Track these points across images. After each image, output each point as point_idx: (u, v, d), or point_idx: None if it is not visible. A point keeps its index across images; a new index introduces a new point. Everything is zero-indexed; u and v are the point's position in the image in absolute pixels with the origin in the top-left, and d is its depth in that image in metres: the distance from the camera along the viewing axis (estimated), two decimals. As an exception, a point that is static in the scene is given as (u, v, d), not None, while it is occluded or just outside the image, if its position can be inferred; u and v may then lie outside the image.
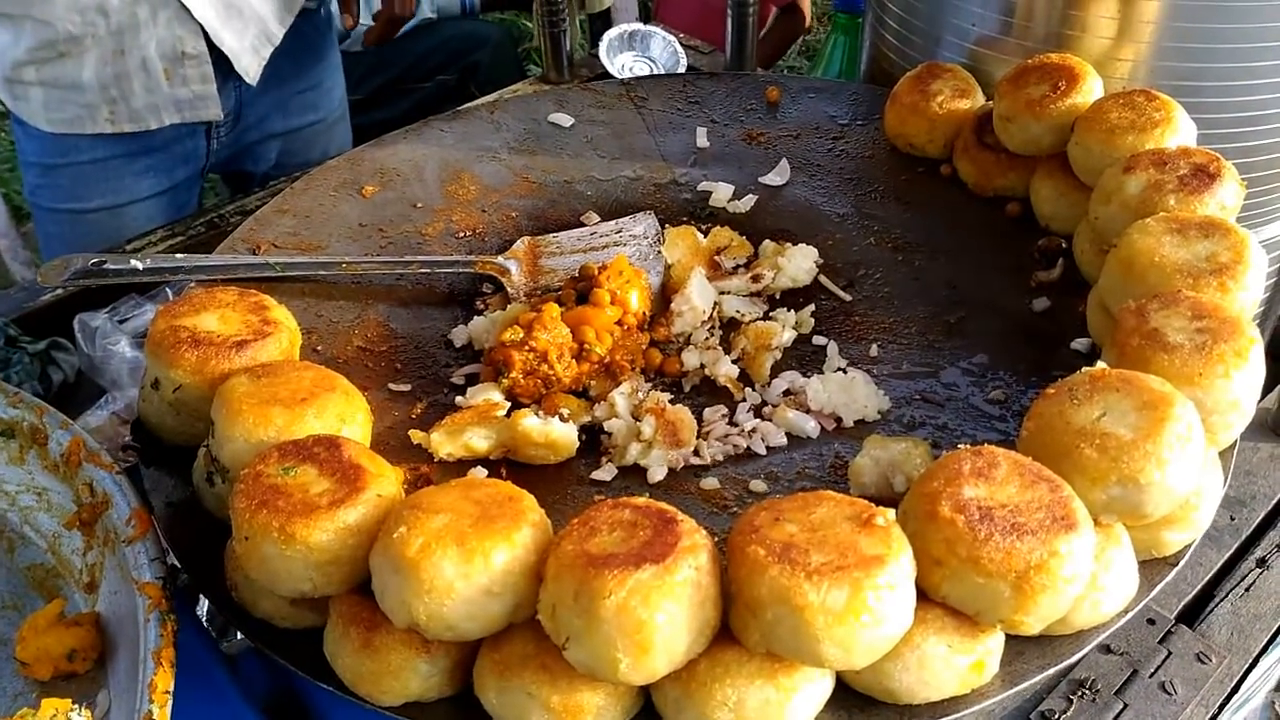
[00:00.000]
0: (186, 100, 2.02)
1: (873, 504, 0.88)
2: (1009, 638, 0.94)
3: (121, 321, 1.79)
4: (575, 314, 1.29)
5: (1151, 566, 1.03)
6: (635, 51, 2.27)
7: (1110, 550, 0.95)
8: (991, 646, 0.91)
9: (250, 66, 2.07)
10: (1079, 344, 1.28)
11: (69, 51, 1.90)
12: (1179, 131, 1.31)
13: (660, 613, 0.81)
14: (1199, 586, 1.39)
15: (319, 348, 1.35)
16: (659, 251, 1.48)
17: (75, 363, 1.75)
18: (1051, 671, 0.95)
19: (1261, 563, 1.42)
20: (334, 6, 2.36)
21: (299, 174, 1.75)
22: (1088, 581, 0.90)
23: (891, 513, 0.87)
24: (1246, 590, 1.39)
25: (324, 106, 2.38)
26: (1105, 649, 1.29)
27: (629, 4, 3.98)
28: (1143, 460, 0.91)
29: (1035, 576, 0.85)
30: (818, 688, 0.88)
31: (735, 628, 0.87)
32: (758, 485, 1.19)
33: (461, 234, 1.56)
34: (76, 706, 0.74)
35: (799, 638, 0.81)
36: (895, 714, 0.91)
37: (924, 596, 0.89)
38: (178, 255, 1.47)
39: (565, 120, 1.76)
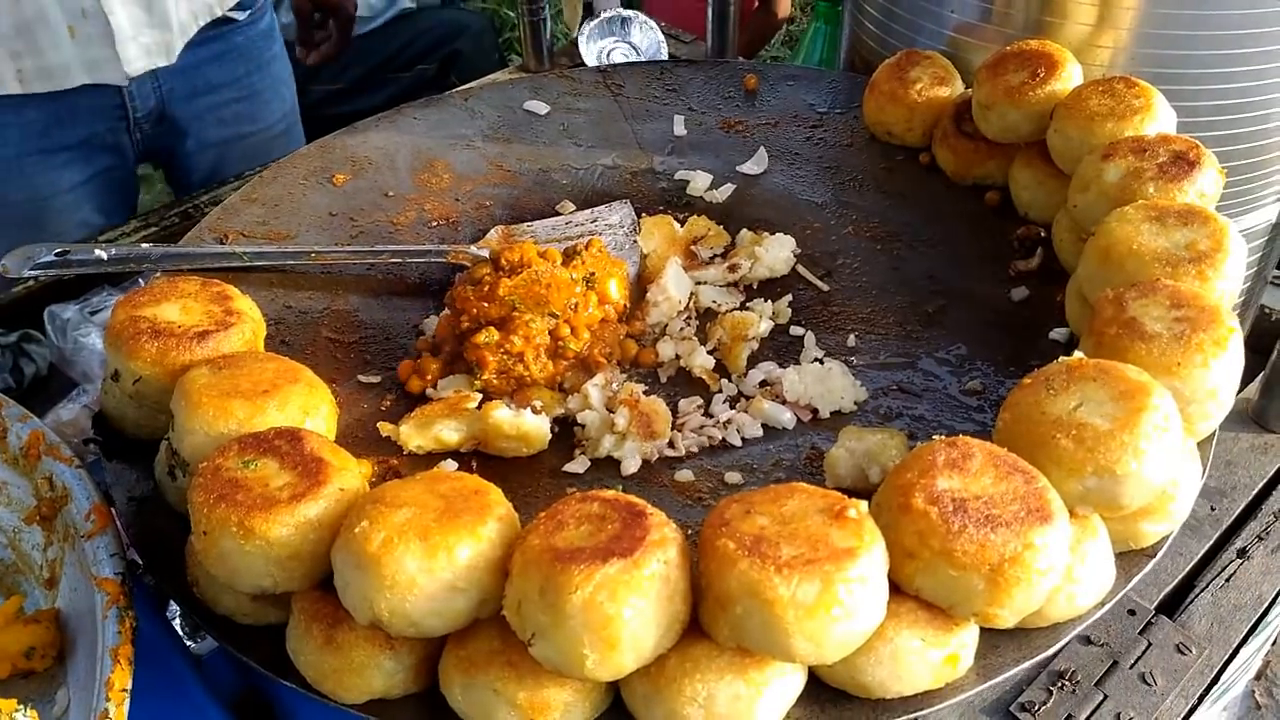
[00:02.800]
0: (93, 61, 1.95)
1: (845, 496, 0.86)
2: (984, 631, 0.93)
3: (93, 313, 1.76)
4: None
5: (1129, 558, 1.02)
6: (615, 37, 2.24)
7: (1086, 542, 0.94)
8: (966, 640, 0.90)
9: (134, 57, 1.99)
10: (1057, 334, 1.27)
11: None
12: (1158, 119, 1.30)
13: (628, 608, 0.79)
14: (1179, 577, 1.38)
15: (287, 339, 1.32)
16: (635, 241, 1.46)
17: (48, 355, 1.73)
18: (1027, 665, 0.94)
19: (1242, 553, 1.42)
20: (278, 18, 2.36)
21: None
22: (1063, 574, 0.88)
23: (864, 505, 0.85)
24: (1227, 581, 1.38)
25: (263, 118, 2.35)
26: (1085, 640, 1.28)
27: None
28: (1119, 451, 0.90)
29: (1009, 569, 0.83)
30: (789, 682, 0.87)
31: (705, 622, 0.85)
32: (733, 477, 1.17)
33: (434, 223, 1.54)
34: (22, 707, 0.72)
35: (769, 632, 0.80)
36: (868, 708, 0.90)
37: (897, 590, 0.88)
38: (143, 245, 1.45)
39: (541, 108, 1.74)
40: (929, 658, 0.88)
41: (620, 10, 2.27)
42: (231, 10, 2.16)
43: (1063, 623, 0.96)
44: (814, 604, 0.79)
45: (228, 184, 1.96)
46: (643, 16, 2.26)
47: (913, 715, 0.89)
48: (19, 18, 1.86)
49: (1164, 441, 0.91)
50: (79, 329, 1.74)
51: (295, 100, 2.48)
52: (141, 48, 1.99)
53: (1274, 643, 1.81)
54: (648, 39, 2.23)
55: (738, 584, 0.80)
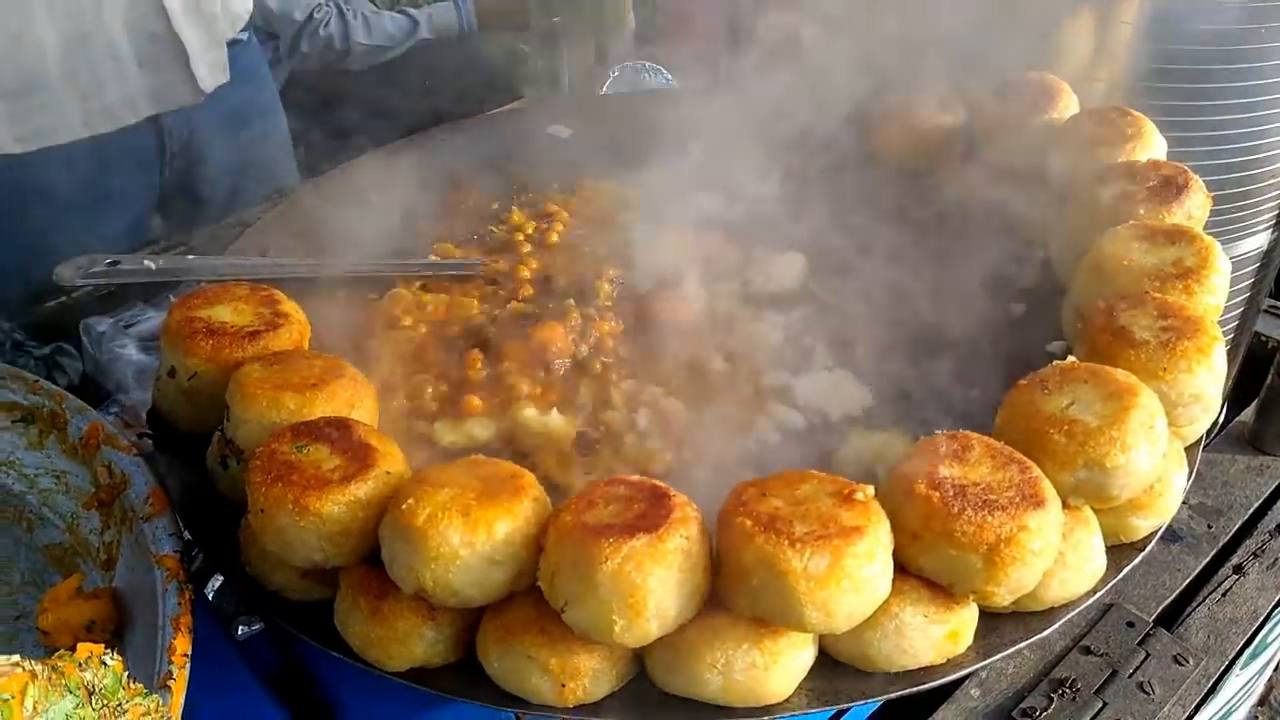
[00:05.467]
0: (162, 87, 1.98)
1: (853, 482, 0.93)
2: (983, 615, 1.00)
3: (127, 326, 1.84)
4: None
5: (1120, 552, 1.09)
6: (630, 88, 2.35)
7: (1078, 531, 1.01)
8: (965, 618, 0.97)
9: (205, 75, 2.02)
10: (1054, 346, 1.33)
11: (25, 38, 1.81)
12: (1151, 147, 1.38)
13: (653, 577, 0.87)
14: (1177, 591, 1.44)
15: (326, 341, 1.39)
16: None
17: (79, 367, 1.80)
18: (1023, 645, 1.00)
19: (1238, 569, 1.48)
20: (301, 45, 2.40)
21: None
22: (1055, 557, 0.95)
23: (870, 489, 0.93)
24: (1223, 595, 1.44)
25: (270, 135, 2.40)
26: (1085, 650, 1.35)
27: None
28: (1108, 445, 0.97)
29: (1005, 549, 0.90)
30: (802, 655, 0.94)
31: (724, 595, 0.92)
32: (745, 476, 1.23)
33: (461, 241, 1.61)
34: (109, 652, 0.79)
35: (783, 601, 0.87)
36: (874, 681, 0.96)
37: (902, 570, 0.94)
38: (190, 256, 1.52)
39: (563, 132, 1.82)
40: (931, 633, 0.95)
41: (638, 63, 2.38)
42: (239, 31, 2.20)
43: (1057, 607, 1.02)
44: (825, 576, 0.86)
45: (257, 206, 2.03)
46: (655, 65, 2.36)
47: (916, 687, 0.96)
48: (89, 56, 1.87)
49: (1150, 437, 0.98)
50: (114, 341, 1.81)
51: (284, 124, 2.50)
52: (209, 66, 2.03)
53: (1276, 667, 1.86)
54: (658, 84, 2.34)
55: (754, 557, 0.87)
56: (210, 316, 1.17)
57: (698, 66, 2.45)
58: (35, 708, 0.70)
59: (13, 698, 0.69)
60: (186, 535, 1.11)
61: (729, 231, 1.61)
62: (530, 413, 1.24)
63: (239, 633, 1.25)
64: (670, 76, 2.37)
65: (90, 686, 0.75)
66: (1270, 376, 1.62)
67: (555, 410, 1.26)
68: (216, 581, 1.31)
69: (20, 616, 1.16)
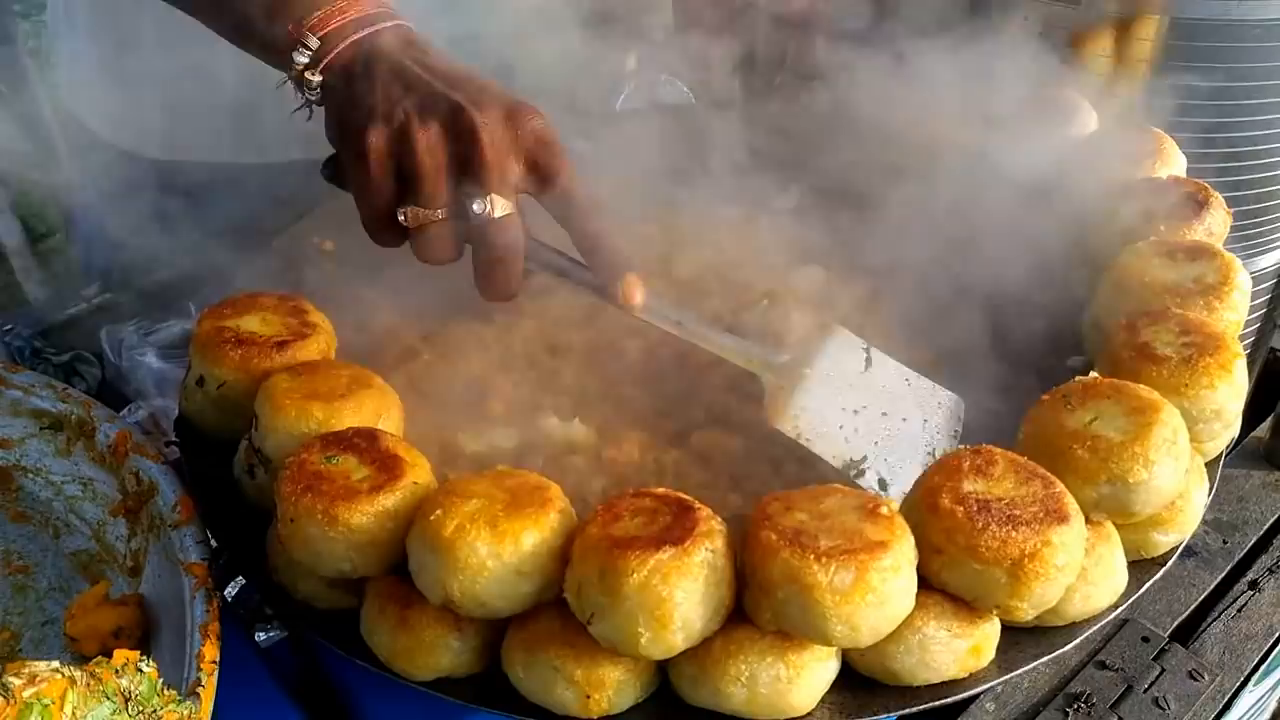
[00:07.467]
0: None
1: (878, 496, 0.94)
2: (1005, 629, 1.00)
3: (147, 334, 1.86)
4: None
5: (1141, 567, 1.09)
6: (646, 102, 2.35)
7: (1101, 546, 1.01)
8: (988, 632, 0.97)
9: None
10: (1074, 362, 1.34)
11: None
12: (1171, 163, 1.38)
13: (679, 590, 0.87)
14: (1192, 607, 1.44)
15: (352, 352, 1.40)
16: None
17: (98, 374, 1.82)
18: (1045, 659, 1.01)
19: (1253, 585, 1.48)
20: None
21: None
22: (1079, 572, 0.96)
23: (895, 503, 0.93)
24: (1239, 611, 1.45)
25: None
26: (1100, 665, 1.35)
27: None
28: (1131, 461, 0.98)
29: (1029, 564, 0.91)
30: (825, 668, 0.94)
31: (749, 608, 0.93)
32: (767, 489, 1.24)
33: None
34: (145, 659, 0.80)
35: (808, 615, 0.87)
36: (897, 695, 0.97)
37: (925, 584, 0.95)
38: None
39: (585, 147, 1.83)
40: (954, 647, 0.95)
41: (653, 76, 2.38)
42: None
43: (1079, 622, 1.03)
44: (850, 589, 0.86)
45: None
46: (669, 77, 2.36)
47: (938, 701, 0.96)
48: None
49: (1173, 453, 0.99)
50: (135, 349, 1.83)
51: None
52: None
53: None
54: (676, 97, 2.34)
55: (780, 571, 0.88)
56: (239, 326, 1.18)
57: (717, 81, 2.46)
58: (74, 713, 0.72)
59: (53, 702, 0.70)
60: (213, 543, 1.13)
61: (749, 243, 1.62)
62: (553, 422, 1.25)
63: (260, 639, 1.27)
64: (689, 90, 2.37)
65: (126, 693, 0.77)
66: (1287, 392, 1.63)
67: (577, 420, 1.27)
68: (234, 589, 1.33)
69: (48, 622, 1.17)
